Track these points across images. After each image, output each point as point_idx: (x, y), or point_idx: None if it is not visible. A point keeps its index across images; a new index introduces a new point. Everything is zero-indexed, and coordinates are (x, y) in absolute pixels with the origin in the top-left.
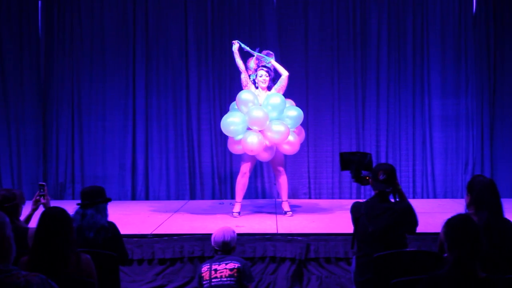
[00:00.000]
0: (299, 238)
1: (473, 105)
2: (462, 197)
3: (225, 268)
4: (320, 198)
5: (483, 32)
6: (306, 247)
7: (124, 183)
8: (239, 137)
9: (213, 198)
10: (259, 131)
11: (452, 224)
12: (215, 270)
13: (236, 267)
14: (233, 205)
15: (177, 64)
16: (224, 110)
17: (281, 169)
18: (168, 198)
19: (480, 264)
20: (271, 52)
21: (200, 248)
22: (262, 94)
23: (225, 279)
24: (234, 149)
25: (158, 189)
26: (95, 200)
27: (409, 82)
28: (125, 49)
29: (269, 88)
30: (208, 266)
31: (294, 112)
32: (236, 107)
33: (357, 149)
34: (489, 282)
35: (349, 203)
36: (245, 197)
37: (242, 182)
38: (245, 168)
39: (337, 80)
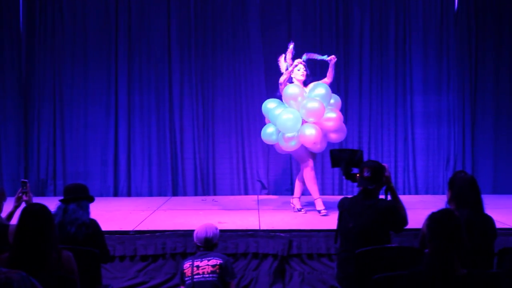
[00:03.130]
0: (282, 234)
1: (455, 102)
2: (443, 193)
3: (207, 265)
4: (302, 194)
5: (464, 29)
6: (289, 243)
7: (106, 180)
8: (288, 134)
9: (195, 194)
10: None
11: (435, 217)
12: (197, 267)
13: (218, 263)
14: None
15: (160, 60)
16: (207, 105)
17: (302, 165)
18: (151, 194)
19: (460, 260)
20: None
21: (182, 244)
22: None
23: (207, 275)
24: (287, 146)
25: (140, 186)
26: (78, 195)
27: (391, 78)
28: (108, 45)
29: (304, 83)
30: (190, 263)
31: (332, 100)
32: (275, 106)
33: (339, 145)
34: (469, 278)
35: (331, 199)
36: (229, 193)
37: (313, 176)
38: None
39: (320, 76)
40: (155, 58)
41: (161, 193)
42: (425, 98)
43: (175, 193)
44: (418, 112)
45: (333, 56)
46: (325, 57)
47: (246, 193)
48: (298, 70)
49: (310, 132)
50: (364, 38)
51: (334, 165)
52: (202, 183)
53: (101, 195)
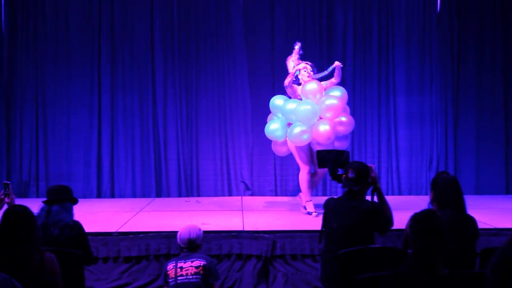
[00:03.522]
0: (265, 235)
1: (437, 103)
2: (426, 194)
3: (191, 266)
4: (286, 195)
5: (447, 30)
6: (272, 244)
7: (89, 181)
8: (302, 127)
9: (179, 195)
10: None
11: (418, 218)
12: (181, 268)
13: (201, 264)
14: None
15: (143, 61)
16: (190, 107)
17: (300, 165)
18: (134, 195)
19: (442, 260)
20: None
21: (166, 246)
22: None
23: (191, 276)
24: (300, 140)
25: (124, 187)
26: (62, 197)
27: (374, 79)
28: (91, 46)
29: None
30: (174, 264)
31: (338, 92)
32: (281, 105)
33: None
34: (451, 278)
35: (315, 200)
36: (213, 194)
37: (307, 179)
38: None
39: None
40: (138, 59)
41: (144, 194)
42: (408, 98)
43: (158, 194)
44: (401, 113)
45: (337, 62)
46: (330, 69)
47: (230, 194)
48: (305, 71)
49: (325, 128)
50: (347, 39)
51: (320, 165)
52: (185, 184)
53: (84, 196)
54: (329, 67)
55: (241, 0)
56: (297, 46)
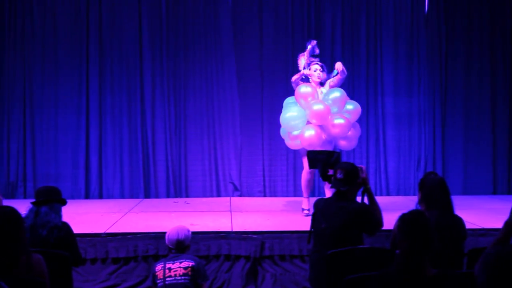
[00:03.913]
0: (254, 236)
1: (425, 103)
2: (414, 194)
3: (179, 267)
4: (275, 196)
5: (435, 31)
6: (261, 245)
7: (77, 182)
8: (295, 132)
9: (167, 196)
10: (319, 125)
11: (405, 218)
12: (169, 269)
13: (190, 265)
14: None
15: (132, 62)
16: (179, 107)
17: (304, 163)
18: (122, 196)
19: (430, 260)
20: (314, 43)
21: (154, 246)
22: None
23: (179, 277)
24: (292, 144)
25: (112, 188)
26: (50, 198)
27: (362, 80)
28: (78, 46)
29: (321, 83)
30: (162, 265)
31: (350, 106)
32: (291, 102)
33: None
34: (439, 278)
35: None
36: (202, 195)
37: (307, 178)
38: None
39: (292, 77)
40: (127, 60)
41: (133, 195)
42: (396, 99)
43: (147, 195)
44: (389, 113)
45: (338, 65)
46: (334, 73)
47: (219, 195)
48: (315, 71)
49: (309, 133)
50: (336, 39)
51: (311, 166)
52: (174, 185)
53: (72, 197)
54: (332, 71)
55: (230, 1)
56: (310, 46)
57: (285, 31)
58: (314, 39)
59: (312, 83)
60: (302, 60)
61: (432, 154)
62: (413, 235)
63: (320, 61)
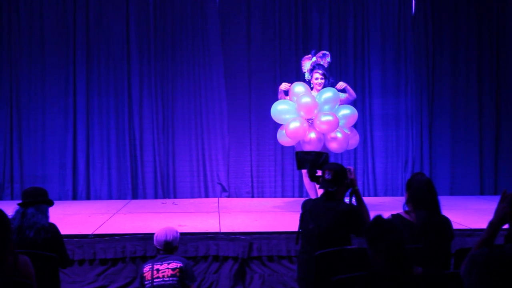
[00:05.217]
0: (242, 237)
1: (413, 105)
2: (402, 195)
3: (167, 268)
4: (262, 196)
5: (422, 32)
6: (249, 245)
7: (65, 183)
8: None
9: (155, 197)
10: (309, 122)
11: (368, 230)
12: (157, 270)
13: (178, 266)
14: None
15: (119, 62)
16: (167, 108)
17: None
18: (110, 197)
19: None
20: (326, 53)
21: (142, 248)
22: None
23: (167, 279)
24: (283, 140)
25: (99, 189)
26: (37, 199)
27: (350, 81)
28: (65, 47)
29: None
30: (150, 266)
31: (347, 111)
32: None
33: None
34: (425, 277)
35: (291, 201)
36: (190, 196)
37: (307, 181)
38: None
39: (279, 78)
40: (114, 60)
41: (120, 196)
42: (383, 101)
43: (135, 196)
44: (377, 115)
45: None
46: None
47: (207, 196)
48: (316, 79)
49: (294, 124)
50: (323, 41)
51: (299, 167)
52: (162, 186)
53: (60, 198)
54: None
55: (217, 1)
56: (319, 58)
57: (273, 33)
58: (301, 41)
59: (314, 90)
60: (307, 64)
61: (419, 155)
62: (379, 243)
63: (324, 69)
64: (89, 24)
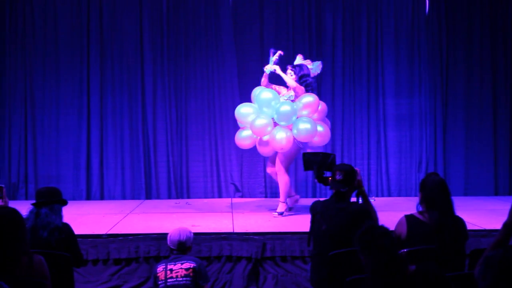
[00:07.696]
0: (255, 237)
1: (426, 105)
2: (416, 195)
3: (181, 268)
4: (276, 197)
5: (435, 32)
6: (262, 246)
7: (79, 183)
8: (266, 137)
9: (169, 197)
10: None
11: (360, 236)
12: (171, 270)
13: (191, 267)
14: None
15: (133, 63)
16: (180, 108)
17: (279, 168)
18: (124, 197)
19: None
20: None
21: (155, 248)
22: (283, 91)
23: (181, 279)
24: (263, 150)
25: (113, 189)
26: (51, 199)
27: (363, 81)
28: (79, 47)
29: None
30: (164, 266)
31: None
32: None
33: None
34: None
35: (304, 202)
36: (203, 196)
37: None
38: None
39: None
40: (128, 60)
41: (134, 196)
42: (397, 101)
43: (148, 196)
44: (391, 115)
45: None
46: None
47: (220, 196)
48: (291, 75)
49: (281, 136)
50: (337, 41)
51: (306, 168)
52: (175, 186)
53: (74, 198)
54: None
55: (230, 2)
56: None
57: (286, 32)
58: (314, 41)
59: (281, 87)
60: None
61: (433, 155)
62: (374, 249)
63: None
64: (102, 25)
